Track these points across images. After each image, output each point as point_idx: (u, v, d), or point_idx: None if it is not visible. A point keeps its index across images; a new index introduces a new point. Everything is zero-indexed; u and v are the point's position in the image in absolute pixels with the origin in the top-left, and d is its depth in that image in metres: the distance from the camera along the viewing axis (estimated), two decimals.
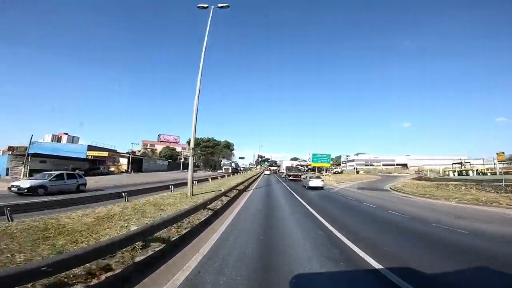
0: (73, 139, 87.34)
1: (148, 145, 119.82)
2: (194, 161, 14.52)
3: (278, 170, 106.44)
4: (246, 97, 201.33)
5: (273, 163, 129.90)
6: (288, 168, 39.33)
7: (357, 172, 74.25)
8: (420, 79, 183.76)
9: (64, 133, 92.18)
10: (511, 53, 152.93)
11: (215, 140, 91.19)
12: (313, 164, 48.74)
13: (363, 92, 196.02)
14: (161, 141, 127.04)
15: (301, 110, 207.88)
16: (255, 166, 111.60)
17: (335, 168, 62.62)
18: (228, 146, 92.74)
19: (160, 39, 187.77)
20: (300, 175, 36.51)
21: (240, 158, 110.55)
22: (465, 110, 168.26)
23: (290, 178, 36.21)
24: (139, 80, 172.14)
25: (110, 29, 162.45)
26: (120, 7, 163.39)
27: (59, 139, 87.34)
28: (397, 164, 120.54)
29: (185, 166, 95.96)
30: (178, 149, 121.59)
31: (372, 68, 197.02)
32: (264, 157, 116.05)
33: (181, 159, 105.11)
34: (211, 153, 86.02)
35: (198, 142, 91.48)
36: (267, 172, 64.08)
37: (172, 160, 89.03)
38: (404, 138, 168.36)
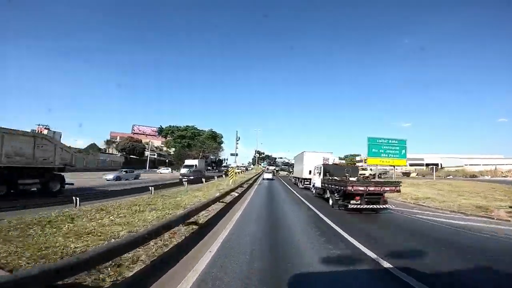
0: (54, 134, 73.67)
1: (118, 137, 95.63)
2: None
3: (277, 171, 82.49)
4: (245, 97, 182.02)
5: (273, 162, 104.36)
6: (327, 170, 13.89)
7: (406, 174, 48.80)
8: (420, 78, 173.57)
9: (45, 128, 78.33)
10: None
11: (196, 128, 65.71)
12: (372, 161, 23.05)
13: (362, 92, 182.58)
14: (135, 133, 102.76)
15: (299, 110, 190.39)
16: (251, 165, 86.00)
17: (361, 169, 36.86)
18: (214, 137, 67.18)
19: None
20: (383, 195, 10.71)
21: (232, 154, 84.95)
22: (466, 111, 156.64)
23: (358, 204, 9.80)
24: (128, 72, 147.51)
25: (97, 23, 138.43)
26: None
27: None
28: (426, 164, 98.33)
29: (155, 164, 71.28)
30: (157, 143, 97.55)
31: (370, 67, 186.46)
32: (263, 153, 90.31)
33: (153, 154, 79.89)
34: (189, 145, 60.64)
35: (171, 130, 66.10)
36: (267, 176, 38.89)
37: (137, 155, 64.03)
38: (404, 138, 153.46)
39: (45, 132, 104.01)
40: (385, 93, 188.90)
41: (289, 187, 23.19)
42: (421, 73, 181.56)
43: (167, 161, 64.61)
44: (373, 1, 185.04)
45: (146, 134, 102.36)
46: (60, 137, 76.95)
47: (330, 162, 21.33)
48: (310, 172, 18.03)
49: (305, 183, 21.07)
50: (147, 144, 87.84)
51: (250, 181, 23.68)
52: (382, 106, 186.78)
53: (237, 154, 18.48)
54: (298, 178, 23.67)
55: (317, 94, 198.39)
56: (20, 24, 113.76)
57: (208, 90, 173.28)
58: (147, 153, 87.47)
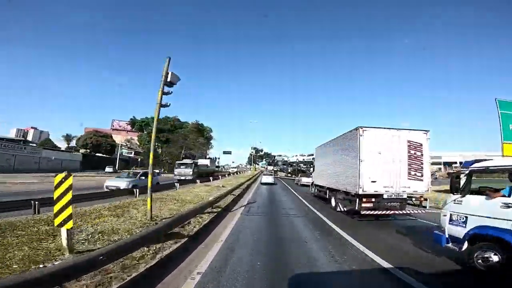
0: (41, 134, 75.33)
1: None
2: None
3: (275, 171, 66.77)
4: (244, 97, 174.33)
5: (272, 161, 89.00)
6: None
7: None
8: (419, 78, 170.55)
9: (31, 127, 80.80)
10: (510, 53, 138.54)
11: (178, 120, 52.86)
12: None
13: (362, 91, 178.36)
14: (114, 129, 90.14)
15: (298, 110, 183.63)
16: (248, 165, 72.93)
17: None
18: (201, 131, 54.33)
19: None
20: None
21: (225, 152, 72.14)
22: (466, 110, 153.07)
23: None
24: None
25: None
26: None
27: (25, 134, 76.04)
28: (444, 163, 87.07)
29: (129, 164, 57.47)
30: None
31: (370, 67, 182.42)
32: (262, 151, 77.30)
33: (130, 153, 66.72)
34: (167, 140, 47.87)
35: (146, 122, 53.17)
36: (266, 179, 26.92)
37: (105, 152, 51.04)
38: None
39: (31, 131, 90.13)
40: (385, 92, 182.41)
41: (323, 218, 10.19)
42: (421, 73, 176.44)
43: (139, 160, 51.77)
44: (373, 1, 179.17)
45: (127, 131, 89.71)
46: (49, 135, 65.66)
47: (426, 151, 8.68)
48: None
49: (365, 205, 8.29)
50: (128, 142, 74.77)
51: (245, 184, 10.90)
52: (382, 105, 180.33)
53: (164, 105, 5.29)
54: (335, 190, 10.74)
55: (317, 94, 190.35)
56: None
57: (205, 88, 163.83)
58: (125, 150, 74.63)
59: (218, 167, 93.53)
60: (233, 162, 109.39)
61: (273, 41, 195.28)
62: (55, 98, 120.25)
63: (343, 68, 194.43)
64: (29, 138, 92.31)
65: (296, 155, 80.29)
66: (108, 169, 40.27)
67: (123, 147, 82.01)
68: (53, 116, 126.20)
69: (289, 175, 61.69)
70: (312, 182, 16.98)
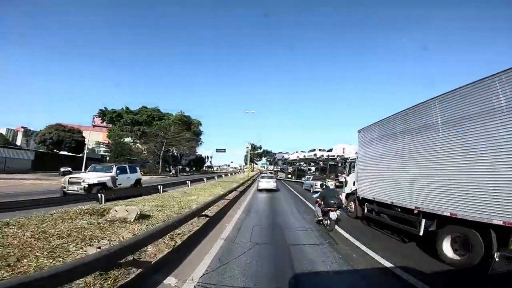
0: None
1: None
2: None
3: (275, 172, 58.48)
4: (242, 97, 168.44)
5: (273, 160, 79.71)
6: None
7: None
8: (418, 77, 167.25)
9: (21, 127, 77.90)
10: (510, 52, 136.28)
11: (157, 111, 44.17)
12: None
13: (362, 89, 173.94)
14: (95, 126, 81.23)
15: (296, 109, 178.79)
16: (244, 164, 64.59)
17: None
18: (187, 123, 45.74)
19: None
20: None
21: (218, 150, 63.46)
22: None
23: None
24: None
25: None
26: None
27: (15, 134, 76.29)
28: None
29: (102, 163, 48.87)
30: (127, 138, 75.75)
31: (370, 66, 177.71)
32: (260, 148, 68.72)
33: (107, 151, 58.07)
34: (143, 135, 39.42)
35: (117, 114, 44.44)
36: (265, 184, 19.42)
37: (71, 150, 42.41)
38: None
39: (21, 131, 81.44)
40: (384, 91, 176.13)
41: None
42: (419, 72, 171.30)
43: (107, 158, 43.26)
44: (373, 1, 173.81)
45: (107, 127, 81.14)
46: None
47: None
48: None
49: None
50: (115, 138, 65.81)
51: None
52: (381, 104, 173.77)
53: None
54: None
55: (317, 94, 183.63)
56: None
57: (203, 86, 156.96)
58: (103, 148, 65.98)
59: (210, 167, 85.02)
60: (231, 162, 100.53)
61: (273, 40, 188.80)
62: (51, 98, 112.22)
63: (344, 68, 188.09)
64: (19, 137, 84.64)
65: (297, 152, 70.97)
66: (63, 169, 31.73)
67: (101, 145, 72.98)
68: (49, 116, 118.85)
69: (289, 176, 52.60)
70: (352, 193, 8.59)
